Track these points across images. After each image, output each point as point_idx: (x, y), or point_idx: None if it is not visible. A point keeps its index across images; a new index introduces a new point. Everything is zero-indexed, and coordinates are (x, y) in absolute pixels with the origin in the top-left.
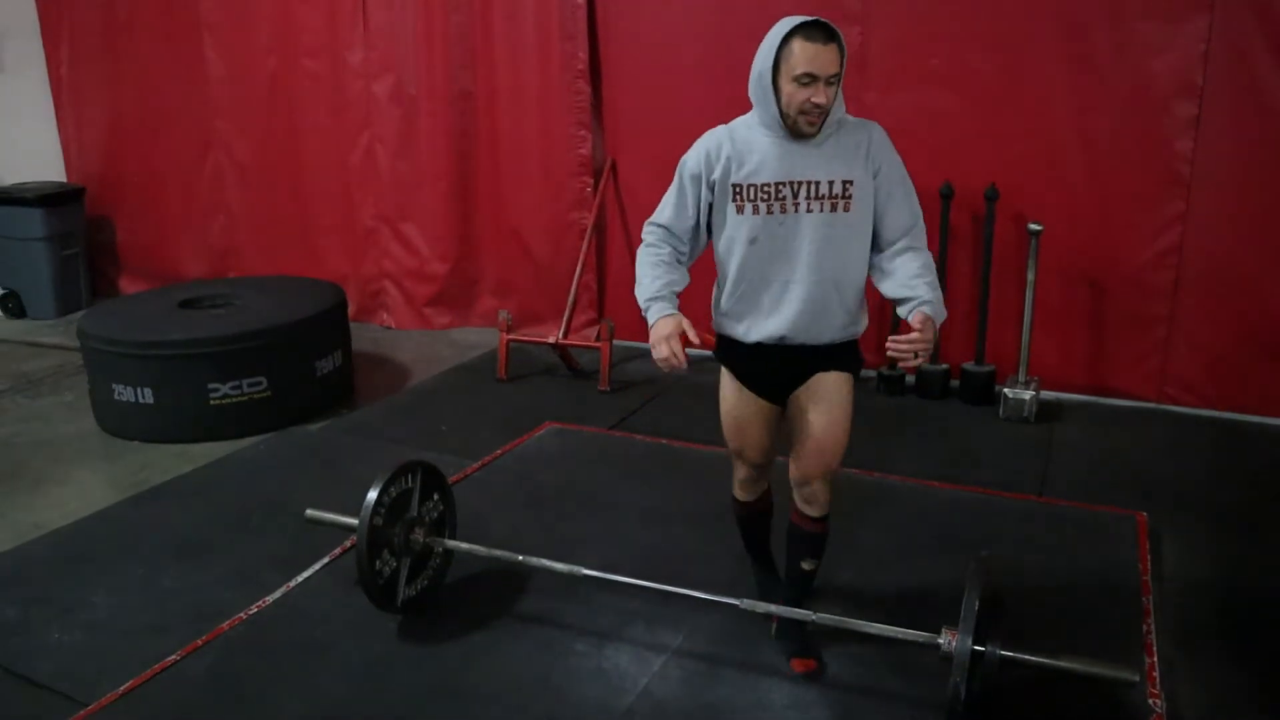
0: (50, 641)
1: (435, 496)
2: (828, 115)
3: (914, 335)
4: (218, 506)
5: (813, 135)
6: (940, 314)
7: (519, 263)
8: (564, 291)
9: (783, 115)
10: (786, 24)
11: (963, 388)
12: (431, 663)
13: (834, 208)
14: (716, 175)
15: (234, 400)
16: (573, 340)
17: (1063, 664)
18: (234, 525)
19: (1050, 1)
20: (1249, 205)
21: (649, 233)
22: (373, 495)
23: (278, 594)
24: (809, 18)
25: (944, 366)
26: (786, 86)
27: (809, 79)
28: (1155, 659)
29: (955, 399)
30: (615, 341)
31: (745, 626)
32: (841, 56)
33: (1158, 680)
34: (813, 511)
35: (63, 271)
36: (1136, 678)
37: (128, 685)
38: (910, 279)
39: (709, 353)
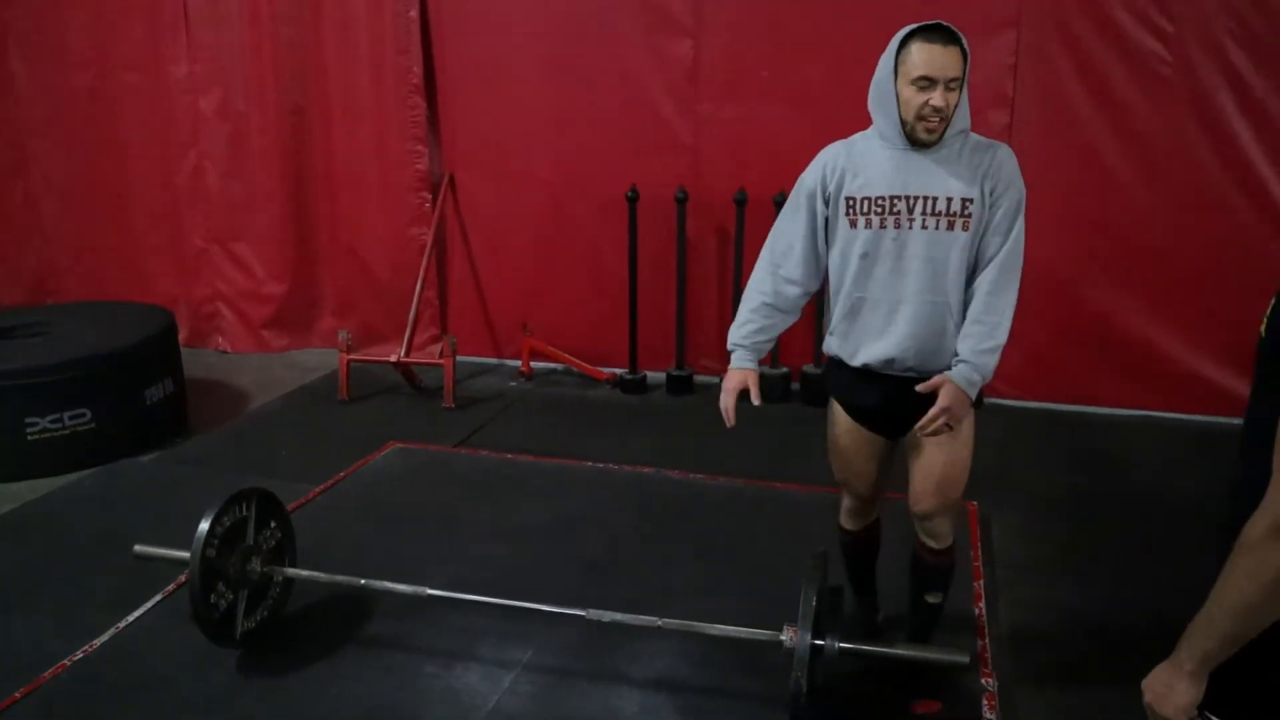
0: None
1: (272, 524)
2: (949, 123)
3: (937, 409)
4: (37, 548)
5: (932, 143)
6: (971, 378)
7: (358, 281)
8: (405, 309)
9: (902, 122)
10: (906, 28)
11: (803, 390)
12: (276, 695)
13: (950, 226)
14: (832, 189)
15: (54, 434)
16: (415, 358)
17: (898, 652)
18: (55, 568)
19: (874, 14)
20: (1060, 209)
21: (768, 271)
22: (204, 526)
23: (106, 636)
24: (930, 21)
25: (784, 369)
26: (904, 91)
27: (927, 83)
28: (987, 640)
29: (796, 401)
30: (459, 357)
31: (593, 637)
32: (964, 60)
33: (989, 660)
34: (935, 544)
35: None
36: (967, 659)
37: None
38: (968, 324)
39: (556, 366)
